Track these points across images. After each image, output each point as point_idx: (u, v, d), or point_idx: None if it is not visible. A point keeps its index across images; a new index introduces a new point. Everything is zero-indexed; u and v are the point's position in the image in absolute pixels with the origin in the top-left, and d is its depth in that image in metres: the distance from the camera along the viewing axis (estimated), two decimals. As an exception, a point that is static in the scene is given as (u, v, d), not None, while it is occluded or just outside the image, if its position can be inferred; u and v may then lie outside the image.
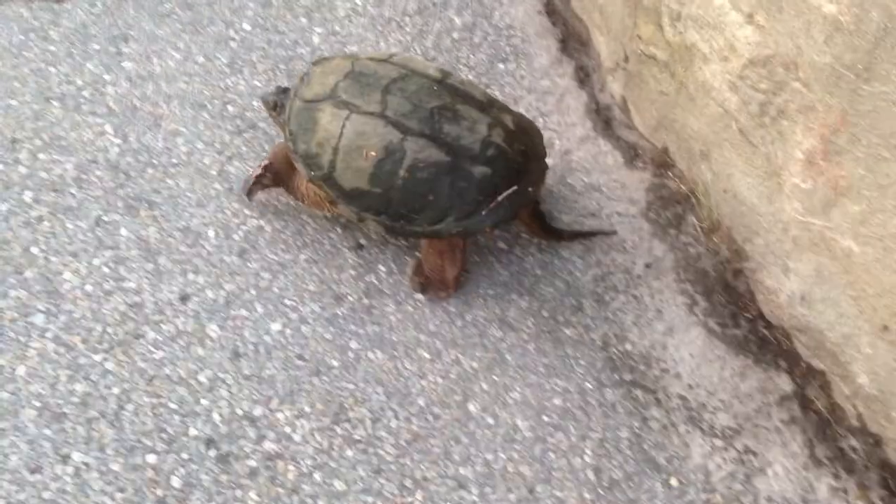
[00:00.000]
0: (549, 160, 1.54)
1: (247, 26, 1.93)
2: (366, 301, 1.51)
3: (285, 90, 1.56)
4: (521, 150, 1.44)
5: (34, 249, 1.49)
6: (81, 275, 1.47)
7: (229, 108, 1.75)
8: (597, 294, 1.56)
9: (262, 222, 1.59)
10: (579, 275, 1.59)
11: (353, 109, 1.40)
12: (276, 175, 1.55)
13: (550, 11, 2.09)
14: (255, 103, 1.76)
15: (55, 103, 1.71)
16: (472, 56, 1.95)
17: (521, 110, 1.85)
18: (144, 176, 1.63)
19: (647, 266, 1.60)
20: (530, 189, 1.44)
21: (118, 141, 1.67)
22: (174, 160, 1.66)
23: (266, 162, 1.55)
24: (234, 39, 1.89)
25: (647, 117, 1.80)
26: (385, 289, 1.53)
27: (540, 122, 1.83)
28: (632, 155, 1.79)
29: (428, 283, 1.51)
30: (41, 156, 1.62)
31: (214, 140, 1.69)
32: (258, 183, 1.55)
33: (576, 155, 1.78)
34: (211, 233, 1.56)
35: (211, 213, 1.59)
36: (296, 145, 1.46)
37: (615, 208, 1.69)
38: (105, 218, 1.55)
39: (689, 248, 1.62)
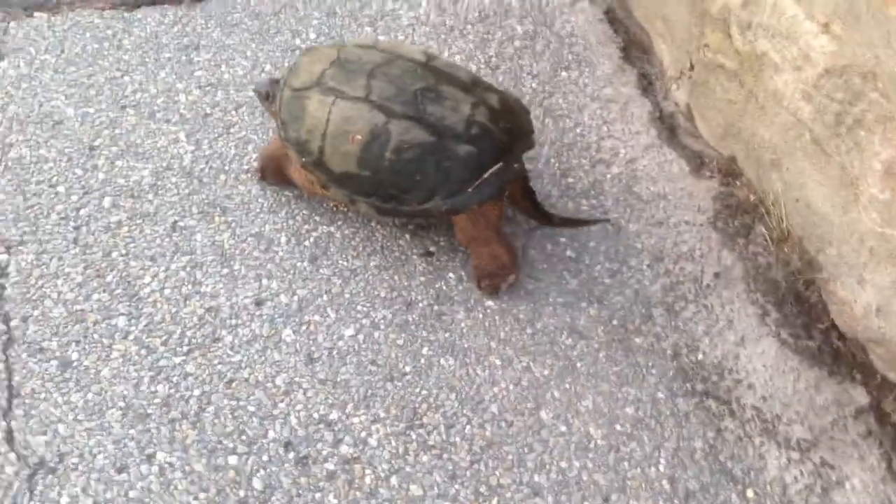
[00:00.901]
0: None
1: (312, 35, 1.96)
2: (436, 308, 1.52)
3: (277, 81, 1.61)
4: (506, 128, 1.47)
5: (115, 254, 1.53)
6: (160, 279, 1.50)
7: (298, 115, 1.78)
8: (666, 303, 1.56)
9: (331, 228, 1.61)
10: (648, 283, 1.59)
11: (338, 95, 1.44)
12: (272, 175, 1.64)
13: (612, 20, 2.10)
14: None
15: (130, 111, 1.75)
16: (534, 64, 1.96)
17: (585, 118, 1.86)
18: (217, 182, 1.66)
19: (717, 276, 1.60)
20: (516, 165, 1.48)
21: (191, 148, 1.71)
22: (245, 167, 1.69)
23: (258, 167, 1.64)
24: (300, 48, 1.92)
25: (714, 126, 1.80)
26: (455, 296, 1.54)
27: (604, 130, 1.84)
28: (698, 163, 1.78)
29: (494, 279, 1.53)
30: (118, 162, 1.66)
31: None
32: (262, 180, 1.65)
33: (641, 163, 1.78)
34: (283, 238, 1.59)
35: (282, 219, 1.61)
36: (287, 133, 1.51)
37: (682, 217, 1.69)
38: (181, 223, 1.59)
39: (759, 257, 1.61)
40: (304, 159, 1.48)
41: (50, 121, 1.71)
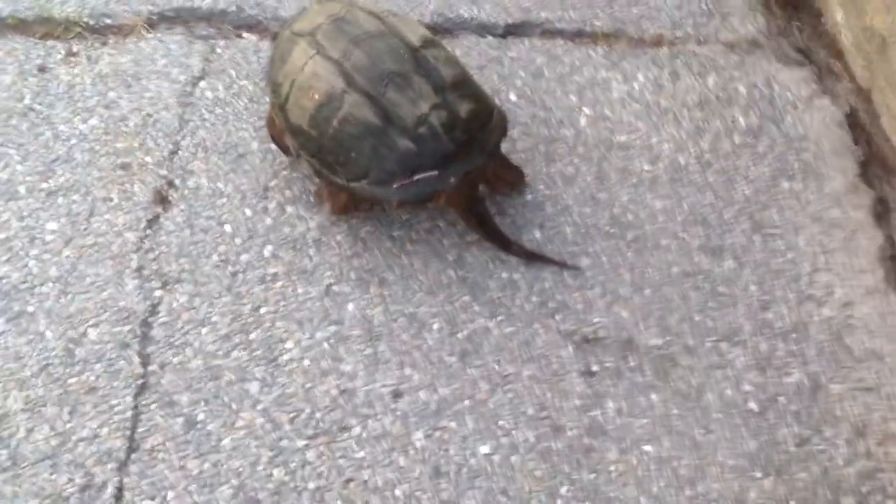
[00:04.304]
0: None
1: (513, 97, 1.82)
2: (586, 441, 1.36)
3: None
4: (460, 140, 1.44)
5: (263, 310, 1.47)
6: (302, 347, 1.43)
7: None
8: (860, 494, 1.31)
9: (490, 324, 1.48)
10: (842, 463, 1.34)
11: (319, 51, 1.47)
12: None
13: (853, 125, 1.82)
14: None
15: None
16: (752, 167, 1.73)
17: (802, 241, 1.62)
18: (381, 248, 1.56)
19: (930, 472, 1.33)
20: (452, 179, 1.43)
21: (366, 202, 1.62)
22: (414, 236, 1.58)
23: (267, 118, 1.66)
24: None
25: (959, 282, 1.51)
26: (610, 430, 1.37)
27: (820, 261, 1.59)
28: (929, 323, 1.50)
29: (320, 195, 1.58)
30: (288, 208, 1.61)
31: (457, 221, 1.60)
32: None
33: (859, 310, 1.52)
34: (436, 325, 1.47)
35: (439, 302, 1.50)
36: (271, 70, 1.56)
37: (899, 387, 1.42)
38: (335, 288, 1.51)
39: None
40: (273, 100, 1.52)
41: (234, 153, 1.69)
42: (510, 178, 1.64)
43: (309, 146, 1.49)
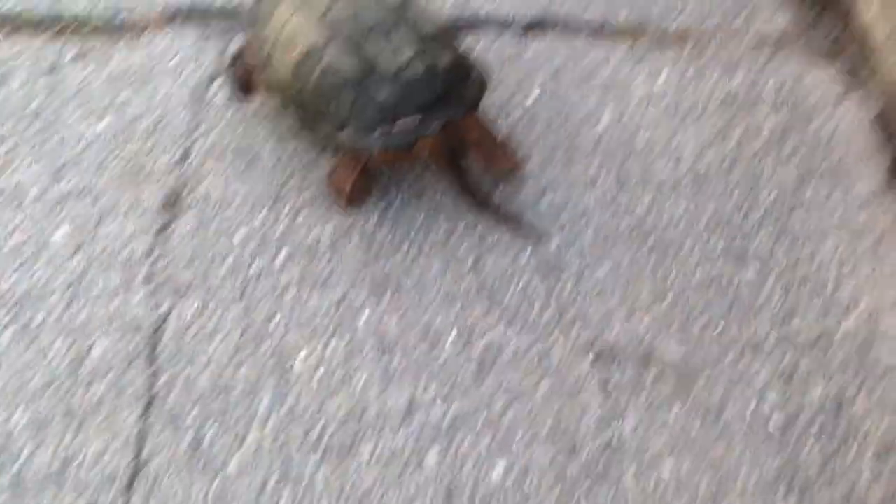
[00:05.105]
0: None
1: (532, 96, 1.78)
2: (604, 459, 1.32)
3: None
4: (441, 88, 1.45)
5: (276, 319, 1.44)
6: (315, 359, 1.40)
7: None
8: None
9: (509, 332, 1.44)
10: (866, 483, 1.30)
11: (303, 6, 1.48)
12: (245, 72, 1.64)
13: (884, 126, 1.76)
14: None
15: (328, 155, 1.64)
16: (778, 168, 1.68)
17: (828, 247, 1.57)
18: (398, 253, 1.53)
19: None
20: (434, 124, 1.44)
21: (381, 205, 1.59)
22: (432, 238, 1.55)
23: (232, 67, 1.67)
24: (522, 106, 1.75)
25: None
26: (629, 449, 1.34)
27: (847, 269, 1.54)
28: (962, 335, 1.45)
29: (329, 188, 1.56)
30: (302, 213, 1.57)
31: (476, 223, 1.56)
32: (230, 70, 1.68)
33: (885, 321, 1.48)
34: (452, 336, 1.44)
35: (456, 312, 1.47)
36: (255, 27, 1.56)
37: (928, 404, 1.38)
38: (350, 295, 1.47)
39: None
40: (259, 56, 1.53)
41: (247, 155, 1.64)
42: (502, 155, 1.60)
43: (292, 101, 1.49)
